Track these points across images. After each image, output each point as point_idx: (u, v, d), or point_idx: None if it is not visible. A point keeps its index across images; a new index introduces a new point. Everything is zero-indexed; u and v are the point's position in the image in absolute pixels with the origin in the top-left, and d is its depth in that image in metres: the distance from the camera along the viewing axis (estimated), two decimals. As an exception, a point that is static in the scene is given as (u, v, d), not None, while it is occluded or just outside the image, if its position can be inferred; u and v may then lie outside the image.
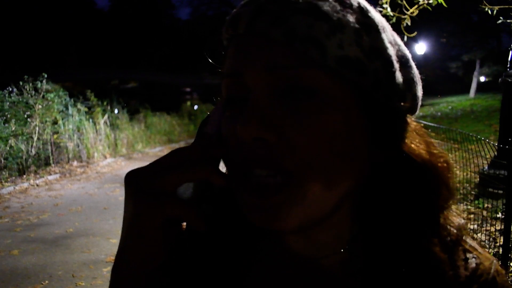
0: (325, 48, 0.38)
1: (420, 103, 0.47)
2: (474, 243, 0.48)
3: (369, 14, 0.42)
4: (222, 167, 0.45)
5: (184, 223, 0.54)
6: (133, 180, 0.41)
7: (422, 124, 0.48)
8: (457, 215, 0.47)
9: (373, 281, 0.44)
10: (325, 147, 0.39)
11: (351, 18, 0.40)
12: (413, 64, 0.46)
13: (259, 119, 0.38)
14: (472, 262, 0.46)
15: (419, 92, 0.46)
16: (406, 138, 0.44)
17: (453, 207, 0.47)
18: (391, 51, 0.42)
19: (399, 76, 0.43)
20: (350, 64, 0.39)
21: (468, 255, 0.46)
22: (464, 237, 0.47)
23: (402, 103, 0.43)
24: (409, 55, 0.46)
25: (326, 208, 0.42)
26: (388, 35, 0.44)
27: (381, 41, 0.42)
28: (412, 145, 0.44)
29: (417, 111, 0.48)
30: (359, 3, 0.42)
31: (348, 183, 0.42)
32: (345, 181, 0.41)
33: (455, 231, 0.46)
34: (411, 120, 0.46)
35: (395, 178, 0.44)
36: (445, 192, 0.45)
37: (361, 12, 0.42)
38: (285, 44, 0.39)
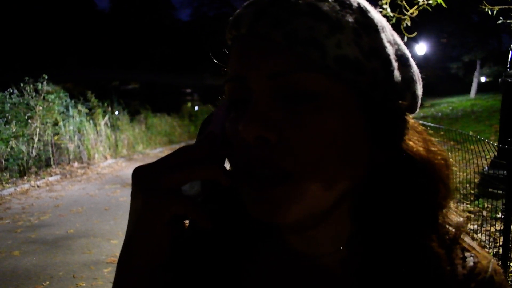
0: (325, 48, 0.39)
1: (419, 101, 0.47)
2: (472, 242, 0.48)
3: (369, 14, 0.42)
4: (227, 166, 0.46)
5: (187, 221, 0.54)
6: (141, 176, 0.42)
7: (421, 122, 0.48)
8: (456, 214, 0.47)
9: (372, 279, 0.44)
10: (325, 148, 0.39)
11: (350, 18, 0.41)
12: (412, 63, 0.46)
13: (260, 119, 0.39)
14: (470, 261, 0.46)
15: (419, 90, 0.47)
16: (405, 136, 0.44)
17: (452, 206, 0.47)
18: (390, 51, 0.43)
19: (397, 75, 0.43)
20: (348, 64, 0.39)
21: (466, 254, 0.46)
22: (462, 236, 0.47)
23: (401, 102, 0.43)
24: (408, 54, 0.46)
25: (324, 206, 0.42)
26: (388, 34, 0.44)
27: (380, 40, 0.42)
28: (411, 143, 0.44)
29: (417, 110, 0.48)
30: (358, 3, 0.43)
31: (348, 182, 0.42)
32: (344, 180, 0.42)
33: (453, 229, 0.46)
34: (409, 118, 0.46)
35: (394, 176, 0.44)
36: (443, 189, 0.45)
37: (361, 12, 0.42)
38: (286, 47, 0.39)
